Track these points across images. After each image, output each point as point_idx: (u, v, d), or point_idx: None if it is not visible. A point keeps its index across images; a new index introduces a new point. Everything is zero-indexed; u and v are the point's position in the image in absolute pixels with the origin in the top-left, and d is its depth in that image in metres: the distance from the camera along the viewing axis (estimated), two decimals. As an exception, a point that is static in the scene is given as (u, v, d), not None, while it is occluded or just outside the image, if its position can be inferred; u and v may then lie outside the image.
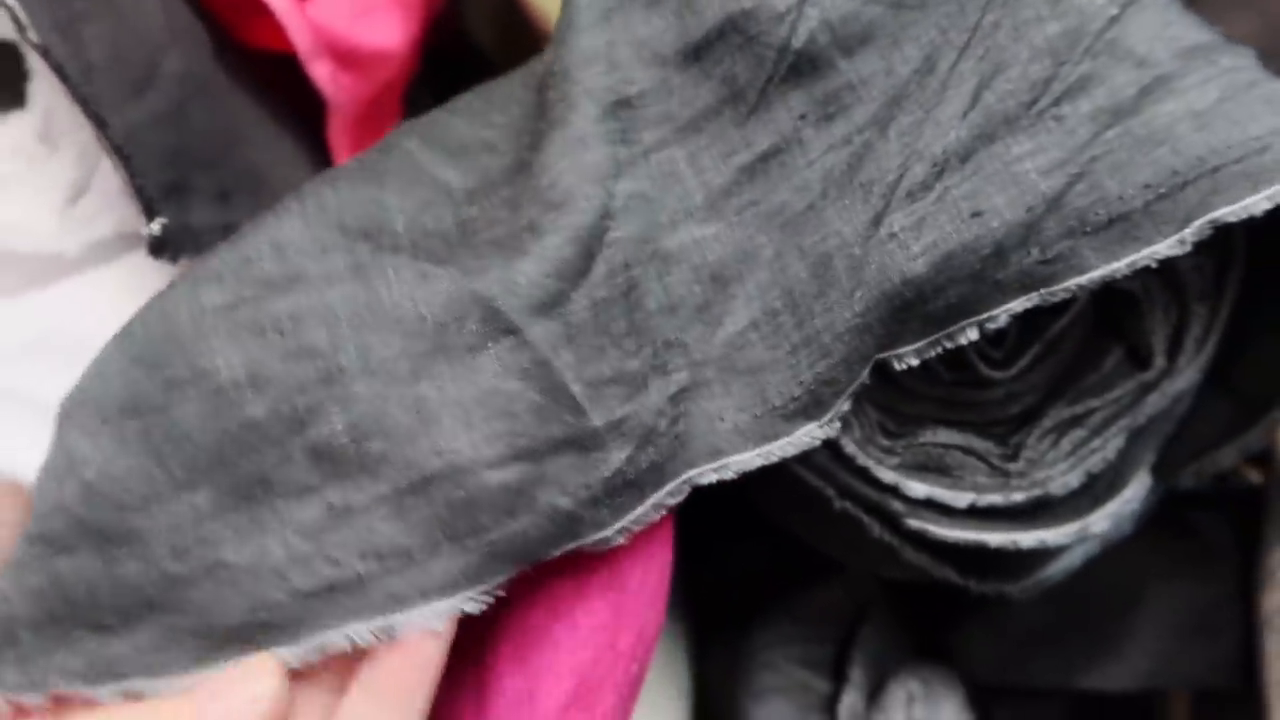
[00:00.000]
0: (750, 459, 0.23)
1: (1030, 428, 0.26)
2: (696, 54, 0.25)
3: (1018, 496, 0.26)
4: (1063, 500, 0.26)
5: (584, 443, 0.22)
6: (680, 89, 0.25)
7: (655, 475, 0.23)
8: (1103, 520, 0.26)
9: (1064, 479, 0.26)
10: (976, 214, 0.22)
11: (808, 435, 0.23)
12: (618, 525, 0.23)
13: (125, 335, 0.23)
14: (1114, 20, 0.23)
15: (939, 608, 0.35)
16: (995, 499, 0.26)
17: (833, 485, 0.26)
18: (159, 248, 0.24)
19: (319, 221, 0.23)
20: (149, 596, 0.21)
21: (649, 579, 0.24)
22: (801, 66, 0.24)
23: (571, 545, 0.22)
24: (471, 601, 0.22)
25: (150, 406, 0.21)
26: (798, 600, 0.36)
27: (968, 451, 0.26)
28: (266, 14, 0.30)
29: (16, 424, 0.26)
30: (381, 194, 0.24)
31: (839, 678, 0.35)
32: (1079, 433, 0.26)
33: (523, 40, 0.44)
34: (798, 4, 0.24)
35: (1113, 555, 0.30)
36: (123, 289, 0.28)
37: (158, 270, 0.27)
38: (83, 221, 0.27)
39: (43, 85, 0.27)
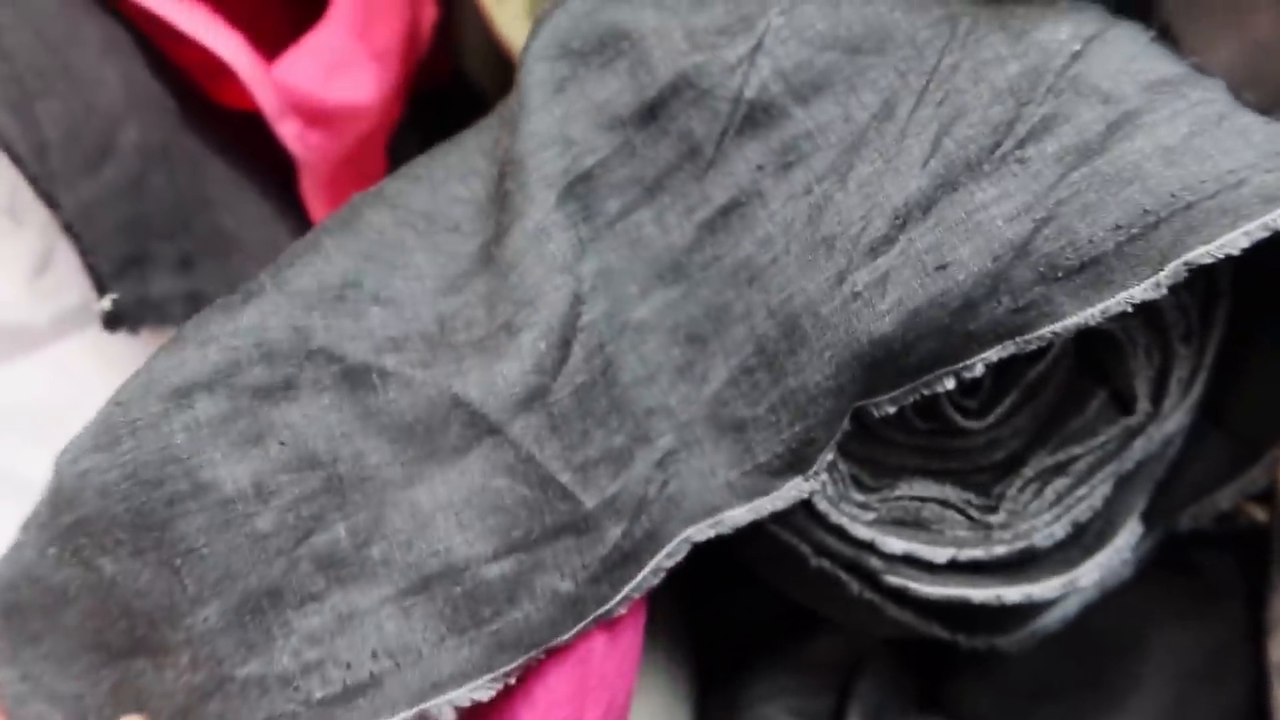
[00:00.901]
0: (743, 514, 0.23)
1: (1011, 477, 0.25)
2: (653, 112, 0.24)
3: (1000, 550, 0.25)
4: (1049, 552, 0.25)
5: (578, 526, 0.22)
6: (641, 149, 0.24)
7: (652, 541, 0.23)
8: (1093, 571, 0.25)
9: (1049, 529, 0.25)
10: (941, 267, 0.22)
11: (795, 489, 0.23)
12: (619, 597, 0.23)
13: (119, 451, 0.22)
14: (1076, 56, 0.23)
15: (937, 658, 0.34)
16: (977, 553, 0.25)
17: (808, 542, 0.25)
18: (114, 322, 0.24)
19: (297, 305, 0.23)
20: (178, 707, 0.21)
21: (618, 645, 0.24)
22: (756, 117, 0.24)
23: (580, 626, 0.23)
24: (484, 689, 0.22)
25: (158, 522, 0.21)
26: (795, 650, 0.35)
27: (946, 504, 0.25)
28: (234, 75, 0.31)
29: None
30: (359, 281, 0.24)
31: (837, 729, 0.34)
32: (1063, 481, 0.25)
33: (510, 75, 0.44)
34: (749, 54, 0.24)
35: (1113, 600, 0.28)
36: (92, 358, 0.28)
37: (125, 339, 0.27)
38: (49, 292, 0.27)
39: (5, 160, 0.27)
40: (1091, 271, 0.21)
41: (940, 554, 0.25)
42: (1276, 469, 0.26)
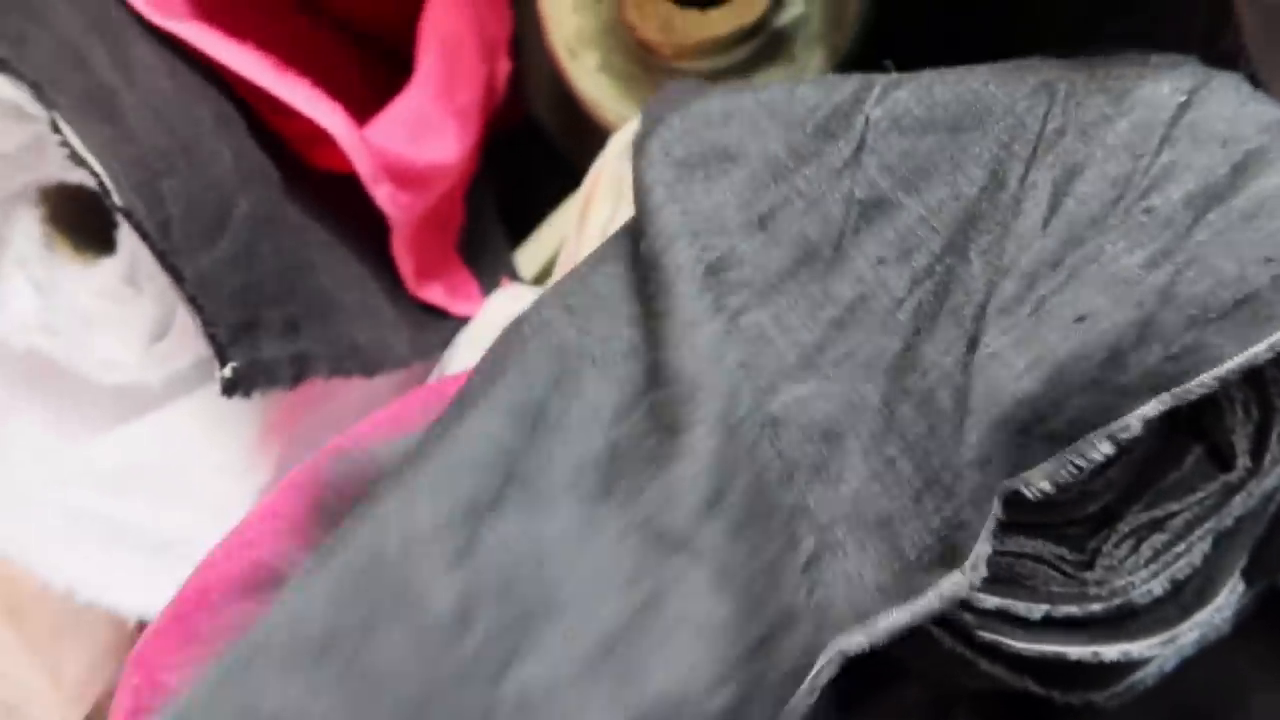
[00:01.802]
0: (900, 618, 0.21)
1: (1107, 533, 0.25)
2: (762, 223, 0.25)
3: (1096, 607, 0.25)
4: (1147, 609, 0.25)
5: (755, 653, 0.21)
6: (750, 257, 0.24)
7: (806, 656, 0.21)
8: (1192, 631, 0.25)
9: (1146, 586, 0.24)
10: (1080, 319, 0.21)
11: (952, 585, 0.21)
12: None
13: (320, 566, 0.21)
14: (1185, 107, 0.23)
15: (1028, 710, 0.33)
16: (1072, 610, 0.25)
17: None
18: (231, 388, 0.26)
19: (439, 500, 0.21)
20: None
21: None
22: (870, 214, 0.24)
23: None
24: None
25: (349, 644, 0.19)
26: (878, 699, 0.35)
27: (1040, 560, 0.25)
28: (331, 142, 0.32)
29: (112, 554, 0.28)
30: (532, 434, 0.23)
31: (923, 779, 0.34)
32: (1160, 537, 0.25)
33: (580, 123, 0.45)
34: (853, 155, 0.24)
35: (1211, 655, 0.28)
36: (203, 417, 0.29)
37: (232, 401, 0.28)
38: (165, 356, 0.29)
39: (127, 232, 0.29)
40: (1247, 309, 0.21)
41: (1035, 610, 0.24)
42: (1382, 522, 0.26)
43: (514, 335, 0.25)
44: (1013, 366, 0.21)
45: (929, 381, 0.22)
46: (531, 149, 0.49)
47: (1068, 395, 0.21)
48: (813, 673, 0.21)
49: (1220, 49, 0.28)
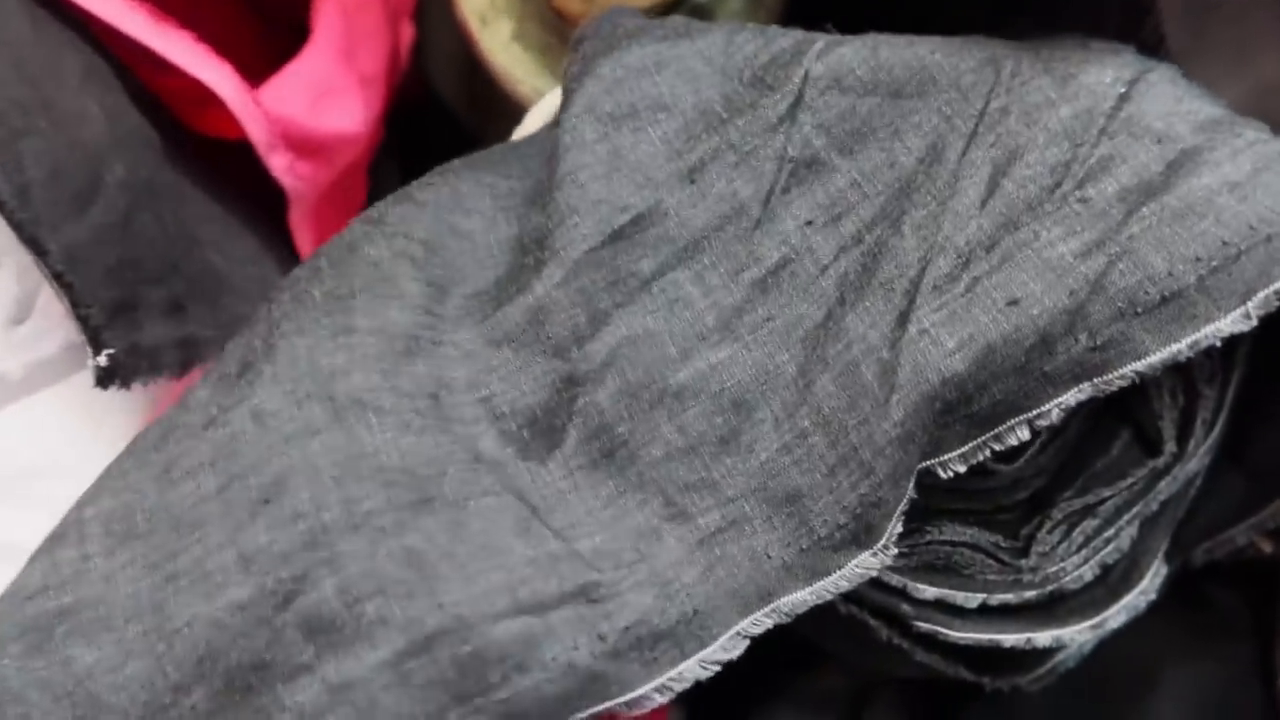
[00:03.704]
0: (804, 598, 0.21)
1: (1040, 519, 0.25)
2: (690, 176, 0.24)
3: (1030, 594, 0.25)
4: (1076, 594, 0.25)
5: (590, 594, 0.21)
6: (675, 211, 0.24)
7: (695, 628, 0.21)
8: (1120, 615, 0.25)
9: (1078, 572, 0.25)
10: (1013, 302, 0.21)
11: (861, 566, 0.21)
12: (654, 683, 0.21)
13: (114, 533, 0.21)
14: (1124, 99, 0.23)
15: (945, 693, 0.33)
16: (1008, 597, 0.24)
17: (837, 590, 0.24)
18: (107, 378, 0.23)
19: (290, 375, 0.22)
20: None
21: None
22: (801, 173, 0.23)
23: (601, 706, 0.20)
24: None
25: (150, 606, 0.20)
26: (798, 683, 0.35)
27: (976, 548, 0.25)
28: (219, 104, 0.29)
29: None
30: (350, 328, 0.23)
31: (846, 767, 0.34)
32: (1091, 522, 0.25)
33: (488, 97, 0.43)
34: (789, 111, 0.23)
35: (1125, 634, 0.28)
36: (71, 410, 0.26)
37: (105, 392, 0.25)
38: (27, 341, 0.25)
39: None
40: (1173, 306, 0.21)
41: (972, 599, 0.24)
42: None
43: (349, 232, 0.25)
44: (943, 345, 0.21)
45: (853, 354, 0.22)
46: (431, 122, 0.47)
47: (994, 378, 0.21)
48: (710, 647, 0.21)
49: (1140, 39, 0.29)
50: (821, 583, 0.21)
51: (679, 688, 0.21)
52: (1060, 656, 0.27)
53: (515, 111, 0.35)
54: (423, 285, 0.24)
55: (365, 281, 0.23)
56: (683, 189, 0.24)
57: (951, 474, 0.22)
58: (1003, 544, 0.25)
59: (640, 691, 0.21)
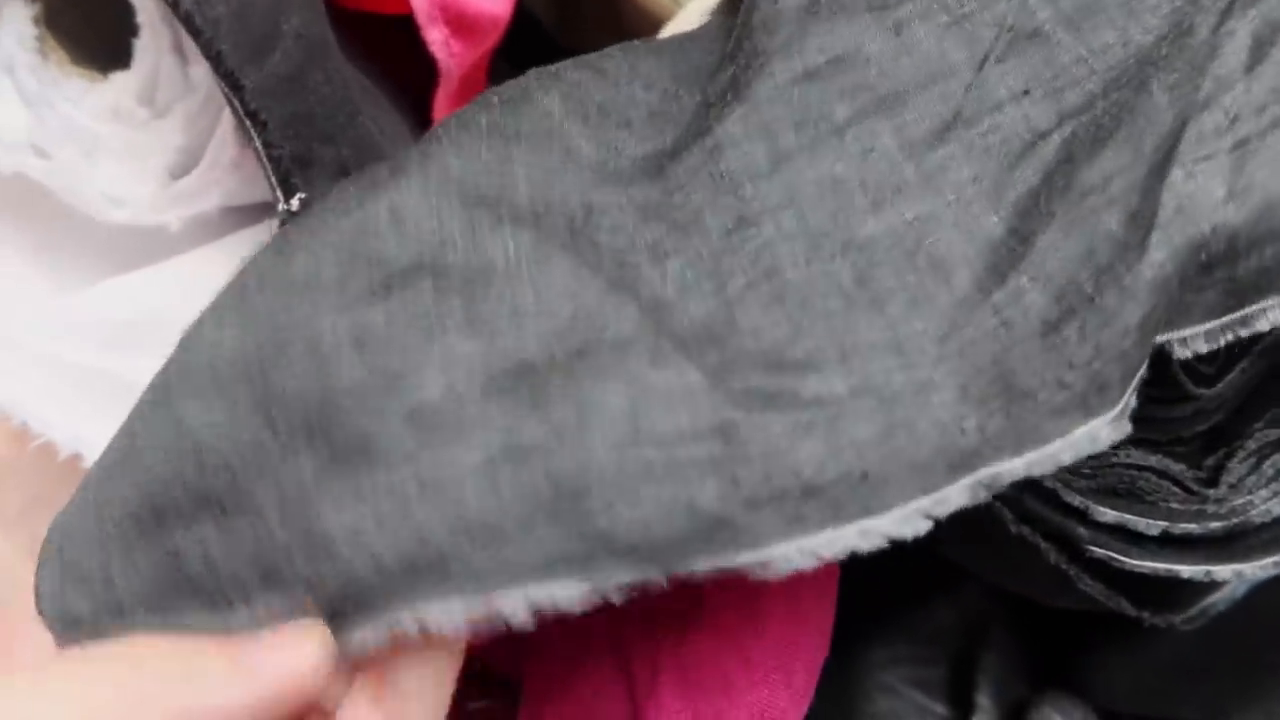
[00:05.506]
0: (1014, 468, 0.18)
1: (1231, 449, 0.24)
2: (896, 29, 0.22)
3: (1215, 525, 0.24)
4: (1258, 530, 0.24)
5: (728, 434, 0.19)
6: (878, 59, 0.22)
7: (864, 492, 0.19)
8: (1307, 552, 0.24)
9: (1265, 505, 0.24)
10: None
11: (1092, 435, 0.18)
12: (796, 543, 0.18)
13: (234, 304, 0.21)
14: None
15: (1065, 631, 0.33)
16: (1191, 527, 0.24)
17: (1010, 506, 0.24)
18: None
19: (440, 190, 0.21)
20: (265, 569, 0.20)
21: (822, 604, 0.22)
22: (1020, 44, 0.22)
23: (724, 559, 0.18)
24: (571, 596, 0.18)
25: (259, 371, 0.20)
26: (914, 618, 0.34)
27: (1163, 475, 0.24)
28: (376, -28, 0.28)
29: (114, 412, 0.24)
30: (509, 158, 0.22)
31: (958, 703, 0.33)
32: (1281, 457, 0.24)
33: (578, 12, 0.42)
34: None
35: (1270, 583, 0.28)
36: (225, 273, 0.25)
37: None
38: (188, 195, 0.25)
39: (149, 42, 0.24)
40: None
41: (1154, 526, 0.23)
42: None
43: (525, 80, 0.24)
44: (1213, 194, 0.19)
45: (1089, 204, 0.20)
46: (524, 37, 0.45)
47: (1269, 238, 0.19)
48: (879, 519, 0.19)
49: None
50: (1036, 452, 0.18)
51: (828, 554, 0.18)
52: (1213, 598, 0.27)
53: (607, 17, 0.33)
54: (594, 146, 0.23)
55: (533, 127, 0.22)
56: (886, 40, 0.22)
57: (1189, 355, 0.20)
58: (1189, 473, 0.24)
59: (776, 551, 0.18)
